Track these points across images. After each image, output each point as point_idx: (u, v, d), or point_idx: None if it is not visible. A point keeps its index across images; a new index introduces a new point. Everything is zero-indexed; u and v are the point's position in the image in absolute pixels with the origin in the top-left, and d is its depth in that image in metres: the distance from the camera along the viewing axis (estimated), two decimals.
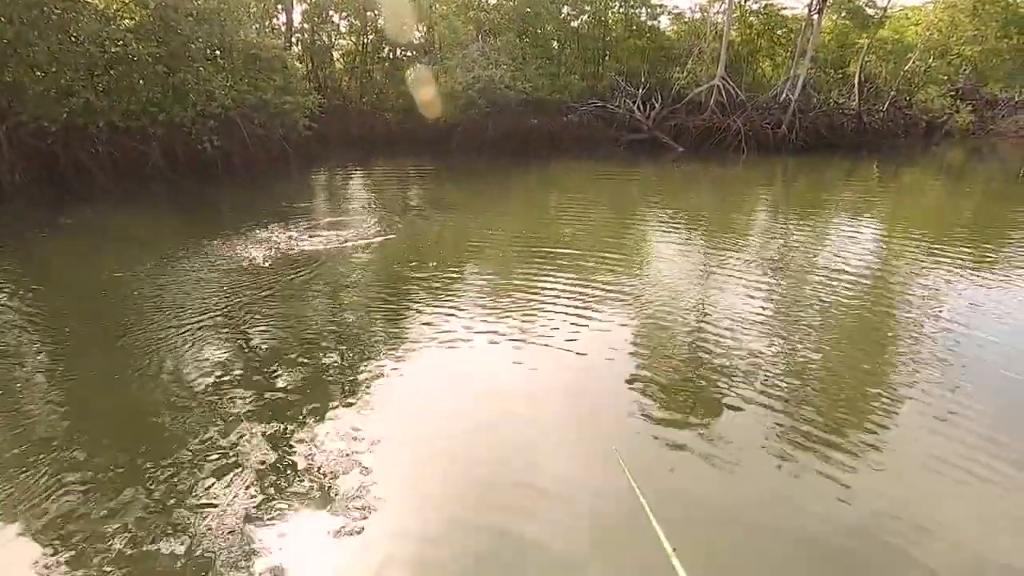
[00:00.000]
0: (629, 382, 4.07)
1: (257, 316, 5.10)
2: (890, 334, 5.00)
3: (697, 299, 5.67)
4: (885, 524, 2.83)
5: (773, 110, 17.66)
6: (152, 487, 2.99)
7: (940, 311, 5.40)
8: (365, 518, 2.80)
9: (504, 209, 10.38)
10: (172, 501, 2.89)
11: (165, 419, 3.58)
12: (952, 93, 21.36)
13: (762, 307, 5.46)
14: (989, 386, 4.08)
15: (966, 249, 7.57)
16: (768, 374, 4.17)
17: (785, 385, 4.04)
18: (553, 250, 7.31)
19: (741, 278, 6.26)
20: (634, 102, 18.09)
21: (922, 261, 7.06)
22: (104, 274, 6.36)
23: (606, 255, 7.16)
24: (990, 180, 14.97)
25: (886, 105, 19.40)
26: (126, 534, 2.71)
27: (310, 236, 7.75)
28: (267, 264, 6.53)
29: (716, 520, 2.85)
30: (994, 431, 3.52)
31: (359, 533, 2.73)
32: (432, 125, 17.51)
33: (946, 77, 21.66)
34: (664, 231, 8.82)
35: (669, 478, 3.14)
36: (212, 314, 5.13)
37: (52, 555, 2.60)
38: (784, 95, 17.78)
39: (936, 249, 7.55)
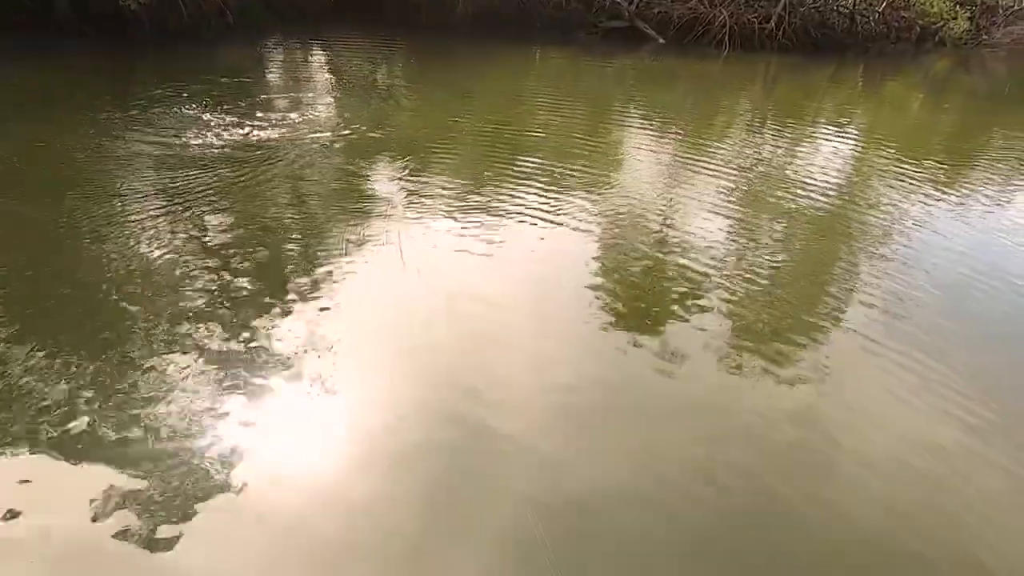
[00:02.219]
0: (593, 284, 4.09)
1: (208, 207, 4.68)
2: (851, 246, 5.13)
3: (665, 204, 5.67)
4: (820, 414, 3.06)
5: (763, 3, 16.38)
6: (105, 377, 2.87)
7: (900, 227, 5.54)
8: (324, 406, 2.81)
9: (475, 96, 9.72)
10: (125, 389, 2.80)
11: (114, 310, 3.38)
12: None
13: (728, 214, 5.48)
14: (935, 300, 4.24)
15: (935, 167, 7.60)
16: (726, 280, 4.25)
17: (742, 291, 4.13)
18: (524, 145, 7.07)
19: (711, 183, 6.20)
20: None
21: (892, 177, 7.07)
22: (27, 143, 5.78)
23: (578, 153, 6.95)
24: (972, 96, 14.59)
25: (883, 5, 18.18)
26: (78, 422, 2.60)
27: (260, 117, 7.05)
28: (215, 150, 5.94)
29: (662, 409, 3.03)
30: (932, 340, 3.72)
31: (318, 421, 2.74)
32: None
33: None
34: (637, 129, 8.50)
35: (621, 371, 3.26)
36: (158, 202, 4.72)
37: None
38: None
39: (907, 166, 7.53)
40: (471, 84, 10.51)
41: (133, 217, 4.46)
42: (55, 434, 2.53)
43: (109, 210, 4.58)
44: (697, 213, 5.45)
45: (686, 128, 8.96)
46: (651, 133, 8.43)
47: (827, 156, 7.89)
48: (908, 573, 2.31)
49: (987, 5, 21.34)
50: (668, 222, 5.23)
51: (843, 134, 9.34)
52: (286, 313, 3.48)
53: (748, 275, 4.39)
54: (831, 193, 6.39)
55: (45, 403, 2.68)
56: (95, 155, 5.64)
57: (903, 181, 6.97)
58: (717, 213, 5.50)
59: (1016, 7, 21.06)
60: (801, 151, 8.20)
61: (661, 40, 16.47)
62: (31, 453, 2.45)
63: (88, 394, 2.75)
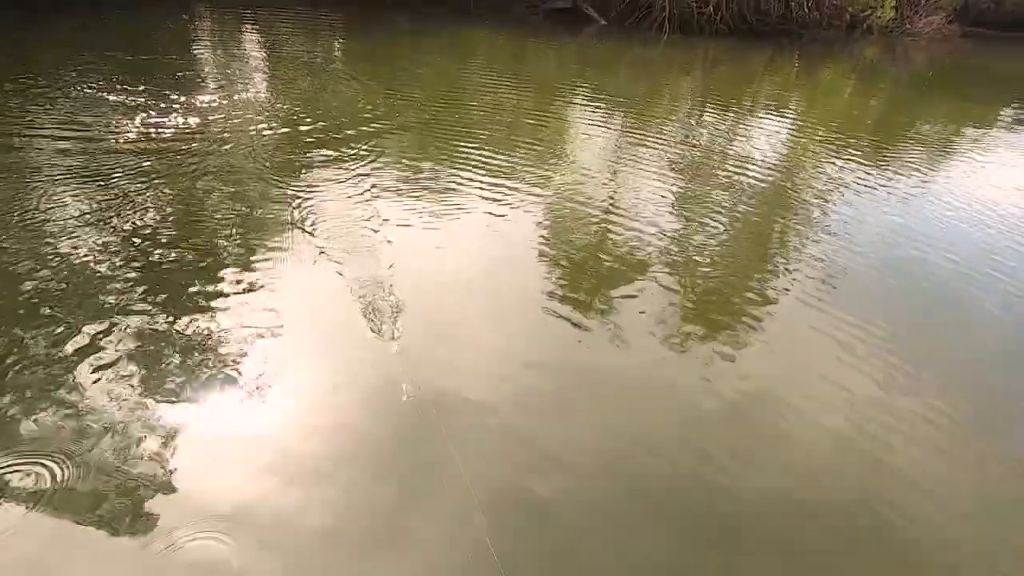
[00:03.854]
0: (539, 267, 4.02)
1: (130, 200, 4.21)
2: (791, 220, 5.27)
3: (607, 185, 5.60)
4: (763, 383, 3.12)
5: None
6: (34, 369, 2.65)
7: (838, 202, 5.73)
8: (263, 400, 2.65)
9: (414, 78, 9.28)
10: (59, 380, 2.61)
11: (42, 306, 3.07)
12: None
13: (672, 193, 5.51)
14: (872, 268, 4.44)
15: (868, 148, 7.85)
16: (671, 257, 4.30)
17: (686, 268, 4.18)
18: (468, 126, 6.87)
19: (652, 166, 6.18)
20: None
21: (829, 156, 7.28)
22: None
23: (522, 134, 6.83)
24: (897, 81, 15.19)
25: None
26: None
27: (184, 99, 6.41)
28: (132, 135, 5.34)
29: (611, 386, 3.01)
30: (870, 306, 3.89)
31: (256, 418, 2.58)
32: None
33: None
34: (579, 113, 8.35)
35: (570, 352, 3.22)
36: (67, 195, 4.21)
37: None
38: None
39: (842, 146, 7.75)
40: (411, 64, 10.05)
41: (41, 208, 3.97)
42: None
43: (15, 201, 4.04)
44: (641, 193, 5.43)
45: (629, 110, 8.86)
46: (595, 115, 8.28)
47: (767, 137, 7.99)
48: (851, 542, 2.32)
49: None
50: (613, 202, 5.17)
51: (781, 116, 9.48)
52: (219, 307, 3.21)
53: (692, 252, 4.43)
54: (771, 172, 6.52)
55: None
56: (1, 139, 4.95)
57: (839, 160, 7.18)
58: (661, 192, 5.50)
59: None
60: (741, 132, 8.26)
61: (603, 22, 16.30)
62: None
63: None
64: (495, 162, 5.69)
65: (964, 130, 10.03)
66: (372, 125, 6.36)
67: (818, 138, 8.31)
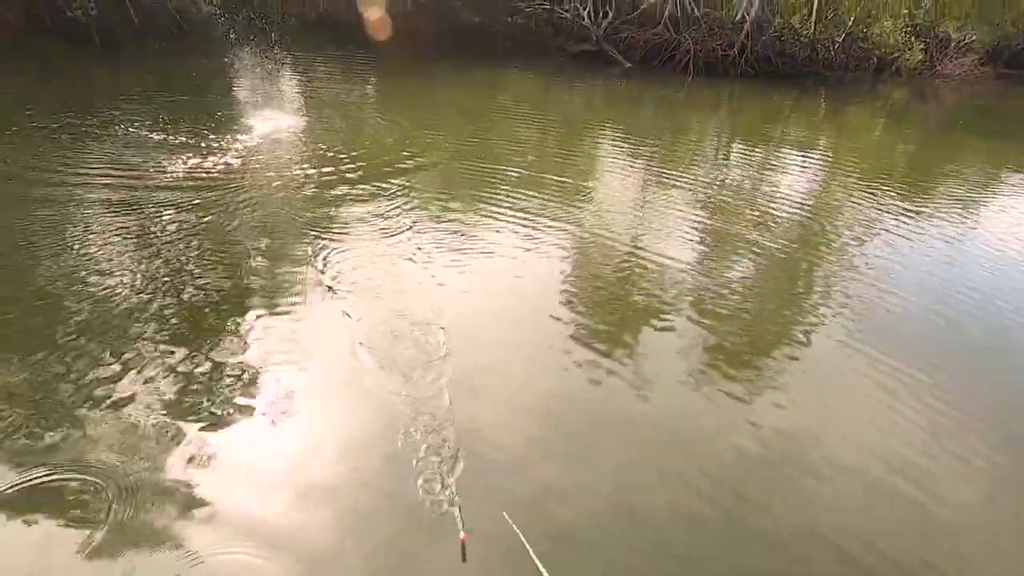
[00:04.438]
0: (564, 305, 3.94)
1: (169, 235, 4.34)
2: (813, 271, 5.03)
3: (633, 223, 5.56)
4: (791, 425, 2.97)
5: (727, 30, 16.71)
6: (73, 388, 2.73)
7: (870, 242, 5.54)
8: (283, 435, 2.65)
9: (444, 117, 9.57)
10: (95, 396, 2.69)
11: (80, 327, 3.18)
12: (909, 28, 20.85)
13: (695, 233, 5.40)
14: (892, 325, 4.14)
15: (901, 189, 7.65)
16: (694, 297, 4.18)
17: (712, 308, 4.05)
18: (493, 163, 6.98)
19: (678, 203, 6.15)
20: (584, 8, 16.65)
21: (859, 196, 7.11)
22: None
23: (546, 172, 6.87)
24: (927, 124, 15.01)
25: (842, 36, 18.74)
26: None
27: (224, 139, 6.65)
28: (175, 173, 5.55)
29: (637, 427, 2.91)
30: (904, 350, 3.69)
31: (281, 434, 2.63)
32: (357, 14, 15.61)
33: (907, 11, 21.03)
34: (605, 151, 8.43)
35: (595, 393, 3.12)
36: (111, 229, 4.38)
37: None
38: (740, 14, 16.79)
39: (870, 190, 7.56)
40: (442, 103, 10.33)
41: (87, 242, 4.12)
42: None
43: (62, 236, 4.21)
44: (668, 230, 5.39)
45: (655, 148, 8.90)
46: (621, 153, 8.34)
47: (795, 176, 7.91)
48: None
49: (940, 38, 22.25)
50: (639, 239, 5.13)
51: (809, 156, 9.40)
52: (246, 342, 3.23)
53: (721, 290, 4.32)
54: (801, 210, 6.40)
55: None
56: (49, 174, 5.25)
57: (872, 200, 7.02)
58: (688, 230, 5.45)
59: (966, 40, 22.01)
60: (769, 171, 8.20)
61: (628, 64, 16.61)
62: None
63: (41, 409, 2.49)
64: (522, 199, 5.72)
65: (1000, 172, 9.79)
66: (403, 163, 6.49)
67: (849, 178, 8.18)
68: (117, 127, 6.89)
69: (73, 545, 2.06)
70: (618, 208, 5.95)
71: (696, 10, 16.64)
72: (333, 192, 5.42)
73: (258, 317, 3.44)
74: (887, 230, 5.94)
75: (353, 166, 6.17)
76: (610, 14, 16.69)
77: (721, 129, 11.67)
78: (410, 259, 4.29)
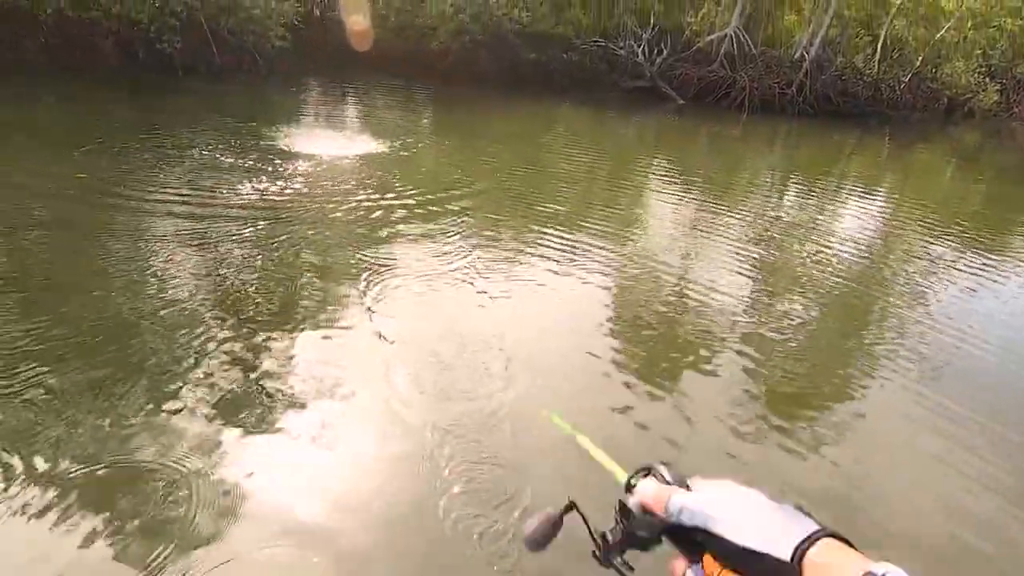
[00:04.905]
0: (610, 341, 3.83)
1: (228, 254, 4.54)
2: (877, 314, 4.76)
3: (683, 260, 5.44)
4: (848, 479, 2.75)
5: (785, 68, 16.50)
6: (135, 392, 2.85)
7: (931, 298, 5.16)
8: (326, 456, 2.65)
9: (498, 147, 9.81)
10: (150, 406, 2.78)
11: (145, 334, 3.37)
12: (982, 69, 20.01)
13: (747, 274, 5.20)
14: (969, 377, 3.84)
15: (967, 239, 7.19)
16: (744, 341, 3.95)
17: (760, 354, 3.80)
18: (544, 194, 7.05)
19: (729, 243, 5.95)
20: (639, 45, 16.84)
21: (920, 246, 6.72)
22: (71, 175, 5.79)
23: (597, 204, 6.90)
24: (1004, 169, 14.20)
25: (908, 75, 18.16)
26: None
27: (286, 164, 6.97)
28: (239, 196, 5.85)
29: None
30: (970, 403, 3.37)
31: (327, 449, 2.65)
32: (421, 49, 16.34)
33: (980, 51, 20.21)
34: (656, 187, 8.35)
35: (639, 436, 2.97)
36: (177, 245, 4.64)
37: (21, 458, 2.42)
38: (800, 53, 16.57)
39: (937, 235, 7.17)
40: (495, 136, 10.59)
41: (152, 258, 4.36)
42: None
43: (136, 248, 4.49)
44: (719, 265, 5.24)
45: (707, 183, 8.78)
46: (672, 188, 8.25)
47: (856, 215, 7.60)
48: None
49: (1018, 79, 21.20)
50: (689, 274, 5.03)
51: (871, 196, 9.04)
52: (298, 361, 3.28)
53: (775, 329, 4.14)
54: (863, 250, 6.13)
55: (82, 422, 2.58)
56: (130, 191, 5.65)
57: (941, 244, 6.66)
58: (739, 266, 5.29)
59: None
60: (828, 209, 7.92)
61: (681, 101, 16.60)
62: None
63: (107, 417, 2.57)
64: (571, 231, 5.70)
65: None
66: (455, 191, 6.62)
67: (916, 220, 7.79)
68: (193, 150, 7.36)
69: (119, 535, 2.13)
70: (668, 241, 5.86)
71: (753, 48, 16.56)
72: (389, 218, 5.55)
73: (311, 340, 3.51)
74: (959, 274, 5.60)
75: (409, 193, 6.32)
76: (664, 51, 16.81)
77: (777, 166, 11.41)
78: (459, 287, 4.31)
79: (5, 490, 2.28)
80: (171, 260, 4.32)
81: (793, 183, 9.78)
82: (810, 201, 8.40)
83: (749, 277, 5.11)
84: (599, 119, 14.20)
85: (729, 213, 7.01)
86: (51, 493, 2.29)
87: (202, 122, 8.87)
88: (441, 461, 2.62)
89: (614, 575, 0.65)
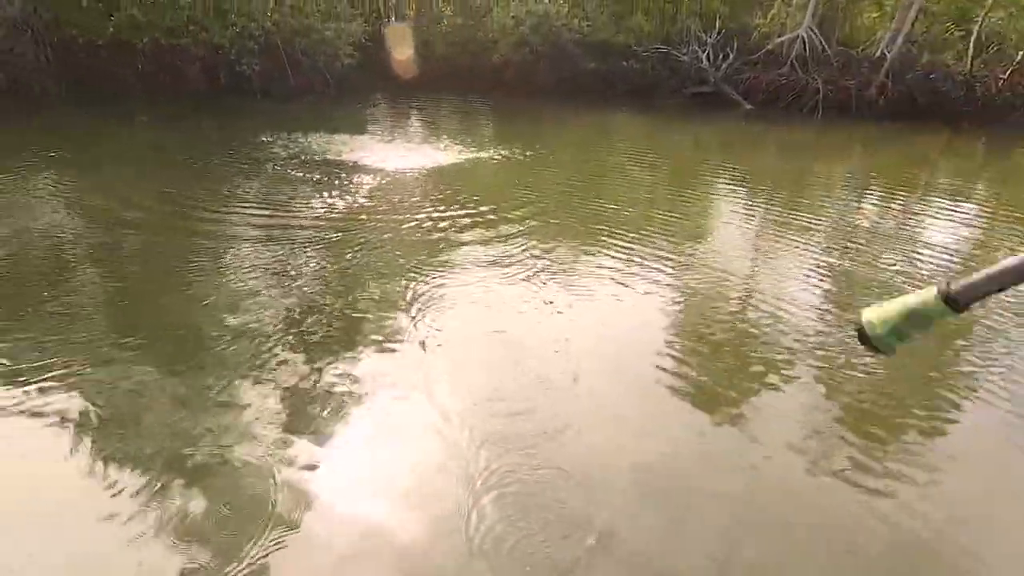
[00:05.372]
0: (670, 357, 3.66)
1: (302, 262, 4.77)
2: (976, 333, 4.30)
3: (751, 273, 5.14)
4: (937, 522, 2.47)
5: (864, 68, 15.54)
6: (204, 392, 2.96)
7: None
8: (390, 469, 2.68)
9: (557, 156, 9.81)
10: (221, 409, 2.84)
11: (220, 340, 3.56)
12: None
13: (823, 286, 4.87)
14: None
15: None
16: (820, 359, 3.69)
17: (838, 375, 3.54)
18: (604, 203, 6.96)
19: (802, 253, 5.62)
20: (704, 50, 16.38)
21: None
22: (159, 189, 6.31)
23: (658, 213, 6.73)
24: None
25: (1008, 72, 16.66)
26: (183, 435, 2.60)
27: (355, 179, 7.24)
28: (310, 210, 6.15)
29: (746, 502, 2.57)
30: None
31: (386, 452, 2.71)
32: (482, 63, 16.62)
33: None
34: (720, 195, 8.01)
35: (700, 457, 2.83)
36: (261, 263, 4.95)
37: (99, 448, 2.63)
38: (880, 51, 15.57)
39: None
40: (554, 146, 10.57)
41: (230, 270, 4.62)
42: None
43: (211, 260, 4.78)
44: (789, 278, 4.94)
45: (776, 191, 8.36)
46: (737, 195, 7.91)
47: (945, 225, 6.98)
48: None
49: None
50: (756, 286, 4.76)
51: (963, 204, 8.28)
52: (361, 367, 3.37)
53: (852, 351, 3.79)
54: (952, 262, 5.58)
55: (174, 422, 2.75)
56: (206, 204, 6.07)
57: None
58: (812, 276, 4.98)
59: None
60: (914, 219, 7.31)
61: (748, 106, 15.98)
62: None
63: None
64: (631, 241, 5.56)
65: None
66: (517, 202, 6.63)
67: (1016, 231, 7.07)
68: (267, 165, 7.78)
69: (193, 520, 2.26)
70: (735, 251, 5.59)
71: (827, 48, 15.72)
72: (452, 230, 5.61)
73: (373, 347, 3.57)
74: None
75: (472, 205, 6.38)
76: (731, 55, 16.26)
77: (854, 173, 10.72)
78: (521, 298, 4.27)
79: (92, 473, 2.44)
80: (246, 271, 4.54)
81: (874, 190, 9.13)
82: (893, 208, 7.81)
83: (825, 289, 4.78)
84: (660, 127, 13.89)
85: (801, 222, 6.62)
86: (133, 478, 2.45)
87: (276, 139, 9.36)
88: (499, 475, 2.57)
89: None
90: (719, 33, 16.53)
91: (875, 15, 19.36)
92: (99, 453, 2.59)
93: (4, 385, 3.02)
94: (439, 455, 2.69)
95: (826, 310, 4.44)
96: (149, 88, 12.15)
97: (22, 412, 2.82)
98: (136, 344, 3.44)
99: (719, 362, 3.65)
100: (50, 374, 3.10)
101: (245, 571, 2.09)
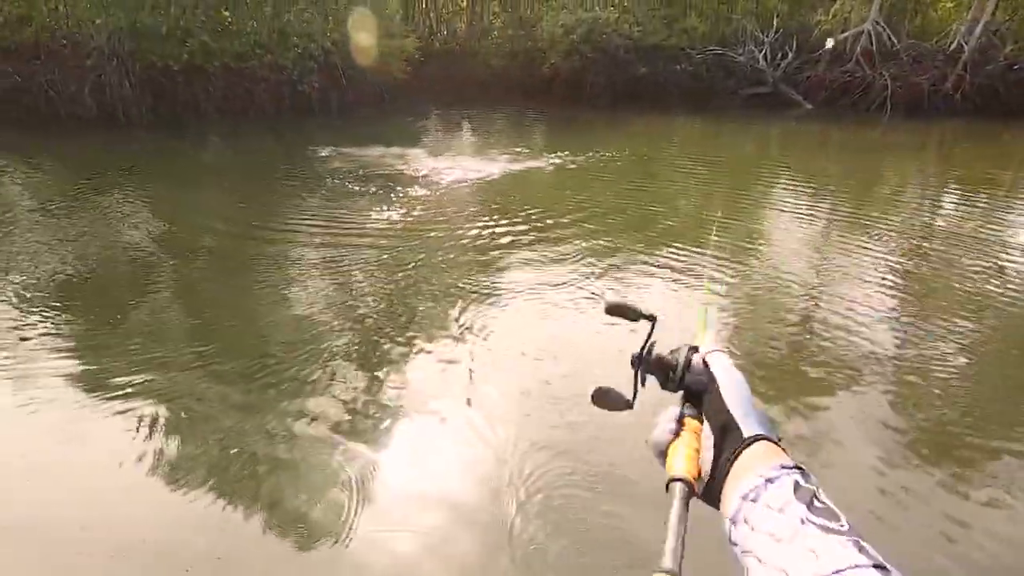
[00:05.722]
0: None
1: (359, 272, 4.94)
2: None
3: (813, 281, 4.90)
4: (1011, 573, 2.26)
5: (938, 62, 14.61)
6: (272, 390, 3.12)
7: None
8: (445, 448, 2.84)
9: (610, 163, 9.73)
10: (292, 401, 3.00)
11: (283, 346, 3.72)
12: None
13: (895, 293, 4.60)
14: None
15: None
16: (893, 372, 3.50)
17: (914, 389, 3.34)
18: (658, 209, 6.89)
19: (871, 258, 5.32)
20: (760, 50, 15.86)
21: None
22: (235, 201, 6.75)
23: (714, 219, 6.58)
24: None
25: None
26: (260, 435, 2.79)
27: (410, 190, 7.44)
28: (369, 221, 6.39)
29: None
30: None
31: (440, 459, 2.78)
32: (532, 73, 16.73)
33: None
34: (780, 199, 7.71)
35: None
36: (322, 268, 5.20)
37: (166, 436, 2.86)
38: (957, 43, 14.60)
39: None
40: (607, 154, 10.47)
41: (293, 281, 4.85)
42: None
43: (276, 270, 5.04)
44: (855, 283, 4.70)
45: (841, 194, 7.96)
46: (798, 198, 7.58)
47: None
48: None
49: None
50: (818, 297, 4.54)
51: None
52: (412, 369, 3.49)
53: (928, 363, 3.58)
54: None
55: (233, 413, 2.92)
56: (271, 218, 6.43)
57: None
58: (882, 284, 4.71)
59: None
60: (999, 221, 6.77)
61: (808, 106, 15.33)
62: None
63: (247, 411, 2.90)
64: (689, 247, 5.43)
65: None
66: (571, 211, 6.60)
67: None
68: (326, 180, 8.09)
69: (266, 509, 2.40)
70: (797, 257, 5.35)
71: (896, 43, 14.87)
72: (507, 240, 5.65)
73: (429, 356, 3.64)
74: None
75: (525, 214, 6.41)
76: (790, 54, 15.66)
77: (928, 173, 10.08)
78: (576, 306, 4.25)
79: (178, 464, 2.59)
80: (308, 284, 4.73)
81: (951, 190, 8.54)
82: (975, 210, 7.26)
83: (897, 296, 4.49)
84: (716, 130, 13.53)
85: (870, 225, 6.26)
86: (209, 470, 2.63)
87: (334, 154, 9.73)
88: (553, 488, 2.55)
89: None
90: (777, 32, 15.96)
91: (950, 5, 18.19)
92: (173, 445, 2.77)
93: (94, 385, 3.27)
94: (488, 470, 2.70)
95: (899, 320, 4.17)
96: (219, 109, 12.90)
97: (112, 412, 3.04)
98: (210, 352, 3.64)
99: (783, 373, 3.49)
100: (136, 377, 3.34)
101: (313, 563, 2.17)
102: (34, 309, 4.17)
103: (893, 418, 3.07)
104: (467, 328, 3.96)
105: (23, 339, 3.76)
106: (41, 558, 2.25)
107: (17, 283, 4.59)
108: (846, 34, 15.50)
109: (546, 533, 2.32)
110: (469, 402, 3.15)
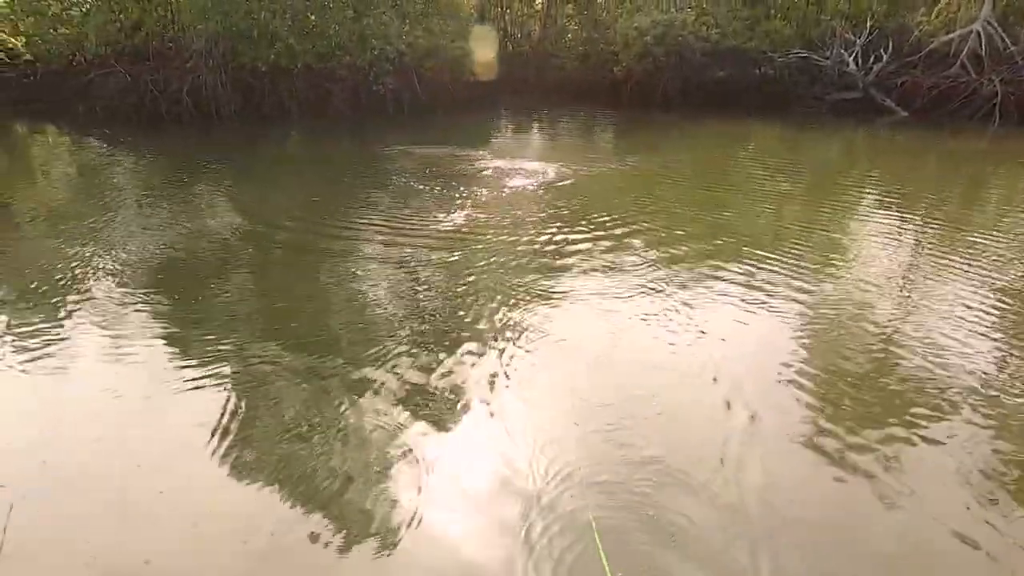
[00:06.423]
0: (802, 383, 3.39)
1: (422, 269, 5.03)
2: None
3: (897, 300, 4.55)
4: None
5: None
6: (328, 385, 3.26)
7: None
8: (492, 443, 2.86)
9: (679, 168, 9.50)
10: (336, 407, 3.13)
11: (348, 342, 3.87)
12: None
13: (992, 324, 4.14)
14: None
15: None
16: (983, 394, 3.25)
17: (1005, 412, 3.11)
18: (731, 218, 6.63)
19: (967, 282, 4.84)
20: (851, 53, 14.87)
21: None
22: (308, 198, 7.13)
23: (792, 230, 6.23)
24: None
25: None
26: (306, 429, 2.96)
27: (475, 191, 7.51)
28: (431, 223, 6.58)
29: (890, 551, 2.32)
30: None
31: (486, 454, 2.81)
32: (604, 76, 16.52)
33: None
34: (866, 213, 7.15)
35: (834, 495, 2.60)
36: (386, 266, 5.40)
37: (229, 434, 2.94)
38: None
39: None
40: (680, 160, 10.20)
41: (359, 277, 5.00)
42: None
43: (344, 267, 5.23)
44: (946, 314, 4.27)
45: (935, 211, 7.30)
46: (889, 216, 6.99)
47: None
48: None
49: None
50: (903, 321, 4.17)
51: None
52: (471, 363, 3.54)
53: (1016, 392, 3.23)
54: None
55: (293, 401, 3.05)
56: (342, 215, 6.70)
57: None
58: (979, 311, 4.28)
59: None
60: None
61: (903, 113, 14.21)
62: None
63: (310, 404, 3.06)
64: (762, 261, 5.16)
65: None
66: (639, 218, 6.45)
67: None
68: (393, 178, 8.31)
69: (323, 496, 2.43)
70: (882, 278, 4.93)
71: (1009, 44, 13.53)
72: (572, 244, 5.57)
73: (491, 358, 3.63)
74: None
75: (591, 219, 6.30)
76: (884, 57, 14.59)
77: None
78: (642, 319, 4.12)
79: (241, 453, 2.71)
80: (372, 280, 4.85)
81: None
82: None
83: (995, 328, 4.03)
84: (797, 137, 12.80)
85: (969, 246, 5.69)
86: (270, 456, 2.73)
87: (404, 153, 9.99)
88: (616, 508, 2.46)
89: None
90: (871, 33, 14.92)
91: None
92: (248, 419, 2.90)
93: (180, 359, 3.53)
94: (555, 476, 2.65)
95: (994, 343, 3.76)
96: (301, 107, 13.59)
97: (195, 387, 3.24)
98: (284, 334, 3.81)
99: (861, 406, 3.21)
100: (217, 351, 3.58)
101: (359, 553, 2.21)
102: (128, 283, 4.63)
103: (984, 463, 2.75)
104: (526, 326, 3.94)
105: (120, 307, 4.22)
106: (119, 519, 2.41)
107: (120, 260, 5.10)
108: (951, 35, 14.27)
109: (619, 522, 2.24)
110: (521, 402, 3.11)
